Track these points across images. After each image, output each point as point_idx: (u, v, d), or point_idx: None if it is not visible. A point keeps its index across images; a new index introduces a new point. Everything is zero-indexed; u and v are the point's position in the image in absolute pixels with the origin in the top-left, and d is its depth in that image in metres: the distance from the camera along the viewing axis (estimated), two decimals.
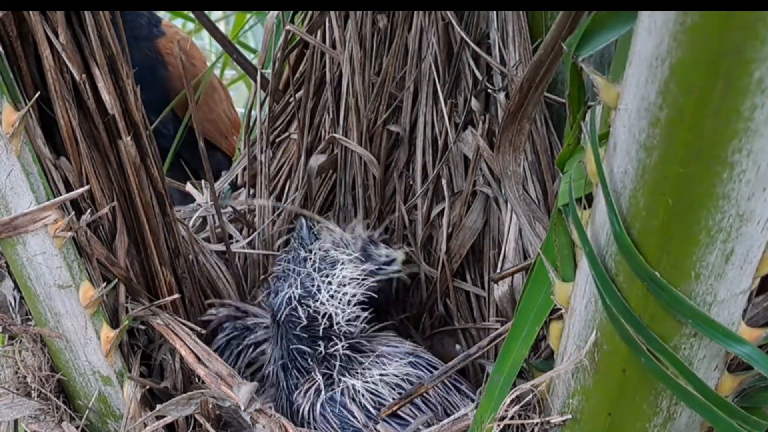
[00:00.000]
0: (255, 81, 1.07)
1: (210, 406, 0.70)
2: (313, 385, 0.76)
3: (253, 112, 1.08)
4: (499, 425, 0.57)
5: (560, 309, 0.55)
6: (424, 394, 0.74)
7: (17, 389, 0.73)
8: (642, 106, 0.41)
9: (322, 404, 0.74)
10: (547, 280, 0.55)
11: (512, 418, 0.57)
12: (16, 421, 0.76)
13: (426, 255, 0.96)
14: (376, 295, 0.78)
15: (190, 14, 1.49)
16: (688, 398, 0.47)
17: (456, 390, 0.77)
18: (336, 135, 0.96)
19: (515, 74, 0.85)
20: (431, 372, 0.77)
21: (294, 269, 0.77)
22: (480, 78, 0.89)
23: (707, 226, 0.42)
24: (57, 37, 0.68)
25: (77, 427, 0.73)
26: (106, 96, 0.71)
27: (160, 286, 0.81)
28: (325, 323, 0.74)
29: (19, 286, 0.71)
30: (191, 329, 0.75)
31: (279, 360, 0.79)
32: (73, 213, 0.68)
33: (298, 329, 0.76)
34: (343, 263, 0.77)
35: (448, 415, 0.71)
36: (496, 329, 0.73)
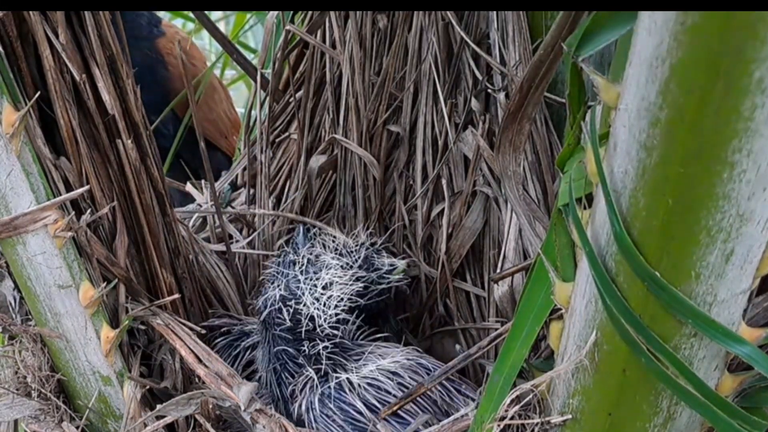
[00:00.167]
0: (255, 81, 1.07)
1: (210, 406, 0.70)
2: (307, 382, 0.76)
3: (253, 112, 1.08)
4: (499, 425, 0.57)
5: (560, 309, 0.55)
6: (424, 394, 0.73)
7: (17, 389, 0.73)
8: (642, 106, 0.41)
9: (321, 401, 0.74)
10: (547, 280, 0.55)
11: (512, 418, 0.57)
12: (16, 421, 0.76)
13: (426, 255, 0.96)
14: (370, 302, 0.79)
15: (190, 14, 1.49)
16: (689, 398, 0.47)
17: (456, 392, 0.77)
18: (336, 136, 0.96)
19: (515, 74, 0.85)
20: (429, 372, 0.77)
21: (282, 272, 0.78)
22: (480, 78, 0.89)
23: (707, 226, 0.42)
24: (57, 37, 0.68)
25: (77, 427, 0.73)
26: (106, 96, 0.71)
27: (160, 286, 0.81)
28: (308, 325, 0.75)
29: (19, 286, 0.71)
30: (191, 329, 0.75)
31: (269, 364, 0.79)
32: (73, 213, 0.68)
33: (282, 330, 0.76)
34: (329, 267, 0.77)
35: (448, 416, 0.71)
36: (496, 329, 0.73)
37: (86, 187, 0.70)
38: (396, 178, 0.97)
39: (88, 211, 0.71)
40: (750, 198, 0.41)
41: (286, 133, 1.07)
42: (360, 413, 0.73)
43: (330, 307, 0.75)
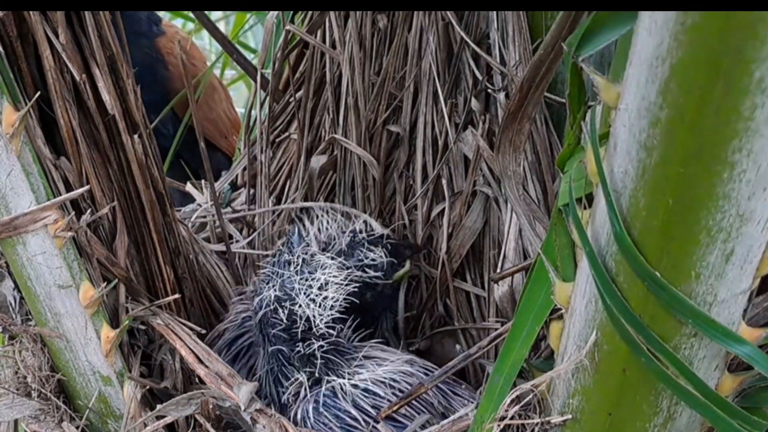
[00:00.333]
0: (255, 81, 1.07)
1: (210, 406, 0.70)
2: (301, 388, 0.76)
3: (253, 112, 1.08)
4: (499, 425, 0.57)
5: (560, 309, 0.55)
6: (421, 396, 0.73)
7: (17, 389, 0.73)
8: (642, 106, 0.41)
9: (315, 410, 0.74)
10: (547, 280, 0.55)
11: (512, 418, 0.57)
12: (16, 421, 0.76)
13: (426, 255, 0.96)
14: (358, 300, 0.78)
15: (190, 14, 1.49)
16: (689, 398, 0.47)
17: (453, 393, 0.77)
18: (336, 136, 0.96)
19: (515, 74, 0.85)
20: (426, 374, 0.77)
21: (277, 272, 0.77)
22: (480, 78, 0.89)
23: (707, 226, 0.42)
24: (57, 37, 0.68)
25: (77, 428, 0.73)
26: (106, 96, 0.71)
27: (160, 286, 0.81)
28: (303, 325, 0.74)
29: (19, 286, 0.71)
30: (191, 329, 0.75)
31: (265, 365, 0.79)
32: (73, 213, 0.68)
33: (278, 330, 0.76)
34: (325, 267, 0.77)
35: (445, 418, 0.71)
36: (496, 329, 0.73)
37: (86, 187, 0.70)
38: (396, 178, 0.97)
39: (88, 211, 0.71)
40: (750, 198, 0.41)
41: (286, 133, 1.07)
42: (356, 420, 0.73)
43: (326, 307, 0.75)
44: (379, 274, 0.82)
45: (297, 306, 0.75)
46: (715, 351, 0.48)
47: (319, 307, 0.75)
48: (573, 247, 0.53)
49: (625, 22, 0.45)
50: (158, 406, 0.70)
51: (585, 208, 0.50)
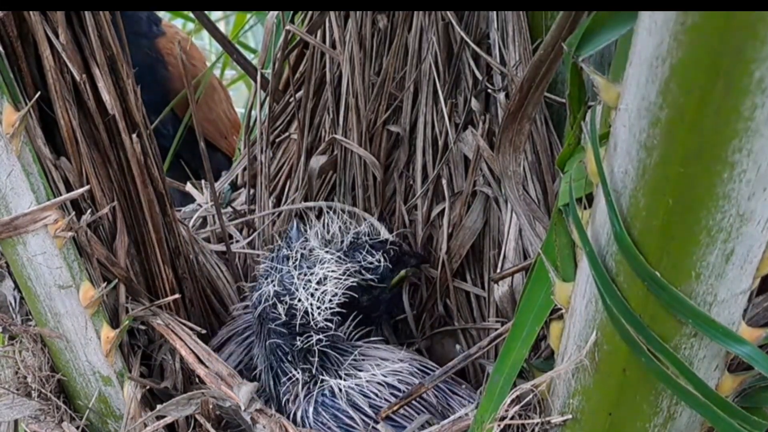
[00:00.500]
0: (255, 81, 1.07)
1: (210, 406, 0.70)
2: (297, 385, 0.76)
3: (253, 112, 1.08)
4: (499, 425, 0.57)
5: (560, 309, 0.55)
6: (421, 397, 0.73)
7: (17, 389, 0.73)
8: (642, 106, 0.41)
9: (315, 410, 0.74)
10: (548, 280, 0.55)
11: (512, 418, 0.57)
12: (16, 421, 0.76)
13: (426, 255, 0.96)
14: (355, 302, 0.78)
15: (190, 14, 1.49)
16: (689, 398, 0.47)
17: (452, 393, 0.76)
18: (336, 136, 0.96)
19: (515, 74, 0.85)
20: (426, 374, 0.77)
21: (275, 267, 0.77)
22: (480, 78, 0.89)
23: (707, 226, 0.42)
24: (57, 37, 0.68)
25: (77, 428, 0.73)
26: (106, 96, 0.71)
27: (160, 286, 0.81)
28: (303, 319, 0.75)
29: (19, 286, 0.71)
30: (191, 329, 0.75)
31: (265, 360, 0.79)
32: (74, 213, 0.68)
33: (277, 325, 0.76)
34: (323, 261, 0.77)
35: (444, 418, 0.71)
36: (496, 329, 0.73)
37: (86, 187, 0.70)
38: (396, 178, 0.97)
39: (89, 211, 0.71)
40: (750, 198, 0.41)
41: (286, 133, 1.07)
42: (354, 420, 0.73)
43: (324, 301, 0.75)
44: (374, 277, 0.82)
45: (296, 300, 0.75)
46: (715, 351, 0.48)
47: (318, 300, 0.75)
48: (573, 247, 0.53)
49: (625, 22, 0.45)
50: (158, 406, 0.70)
51: (585, 208, 0.50)
